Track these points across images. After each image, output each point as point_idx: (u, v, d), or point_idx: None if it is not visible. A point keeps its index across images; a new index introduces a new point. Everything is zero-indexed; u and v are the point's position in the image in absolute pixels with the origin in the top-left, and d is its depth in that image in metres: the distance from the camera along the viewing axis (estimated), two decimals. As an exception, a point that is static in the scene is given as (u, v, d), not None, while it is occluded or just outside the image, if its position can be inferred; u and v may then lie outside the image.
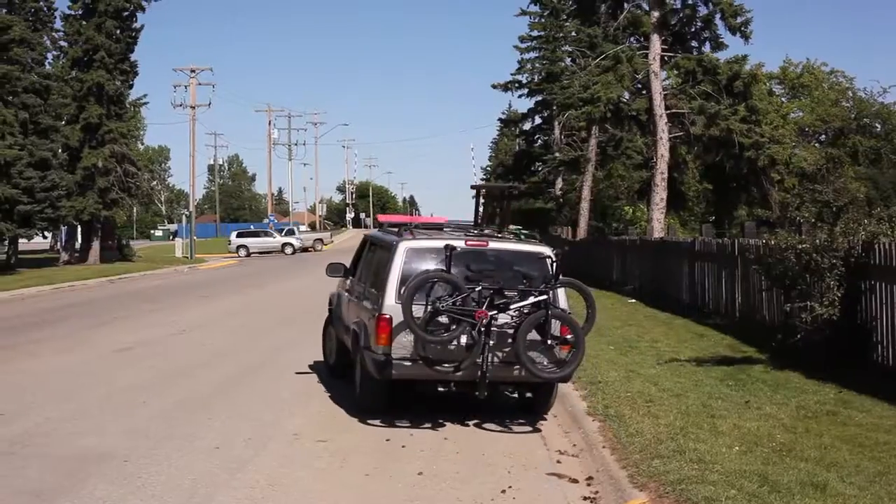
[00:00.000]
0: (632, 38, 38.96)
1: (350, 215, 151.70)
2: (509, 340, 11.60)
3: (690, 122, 36.74)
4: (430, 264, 12.02)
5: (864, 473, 8.76)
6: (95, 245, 55.27)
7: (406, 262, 12.05)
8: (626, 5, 38.24)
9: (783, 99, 61.24)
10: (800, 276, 14.98)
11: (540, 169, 69.11)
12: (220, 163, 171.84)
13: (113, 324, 24.18)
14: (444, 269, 11.79)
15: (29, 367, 16.60)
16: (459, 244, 12.14)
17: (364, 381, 12.42)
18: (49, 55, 55.14)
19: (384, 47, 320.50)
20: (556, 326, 11.81)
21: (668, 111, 36.19)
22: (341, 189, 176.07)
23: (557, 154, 62.25)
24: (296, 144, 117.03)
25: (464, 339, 11.57)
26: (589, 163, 56.14)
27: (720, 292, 22.23)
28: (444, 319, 11.63)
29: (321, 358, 16.78)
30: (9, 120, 42.33)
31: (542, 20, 65.05)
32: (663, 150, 35.72)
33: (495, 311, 11.62)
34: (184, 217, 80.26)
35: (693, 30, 37.32)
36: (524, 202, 74.79)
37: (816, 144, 58.14)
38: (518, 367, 11.62)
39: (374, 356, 11.82)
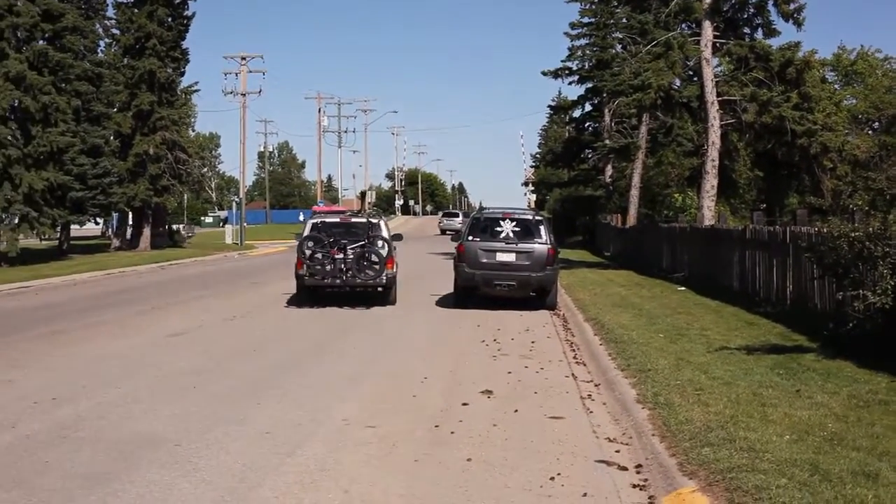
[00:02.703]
0: (683, 25, 38.65)
1: (399, 202, 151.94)
2: (355, 265, 24.24)
3: (742, 110, 36.40)
4: (319, 229, 25.00)
5: (916, 463, 8.68)
6: (146, 231, 55.77)
7: (311, 230, 25.09)
8: (677, -9, 37.96)
9: (836, 86, 60.68)
10: (852, 265, 14.83)
11: (590, 156, 68.84)
12: (270, 150, 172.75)
13: (164, 309, 24.40)
14: (318, 232, 24.81)
15: (81, 351, 16.79)
16: (334, 219, 25.86)
17: (297, 285, 25.10)
18: (101, 43, 55.78)
19: (434, 34, 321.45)
20: (375, 257, 24.43)
21: (720, 98, 35.91)
22: (390, 176, 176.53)
23: (607, 141, 61.97)
24: (345, 132, 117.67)
25: (328, 266, 24.20)
26: (639, 150, 55.93)
27: (771, 280, 22.08)
28: (318, 256, 24.29)
29: (370, 343, 17.68)
30: (62, 107, 42.72)
31: (593, 7, 64.71)
32: (714, 137, 35.48)
33: (342, 251, 24.18)
34: (234, 204, 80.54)
35: (745, 16, 36.98)
36: (574, 189, 74.64)
37: (870, 132, 57.56)
38: (357, 277, 24.20)
39: (297, 274, 24.63)
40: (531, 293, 24.87)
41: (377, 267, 24.26)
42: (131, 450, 9.71)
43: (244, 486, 8.57)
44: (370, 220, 25.65)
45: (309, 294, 24.95)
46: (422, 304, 25.60)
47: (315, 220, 25.61)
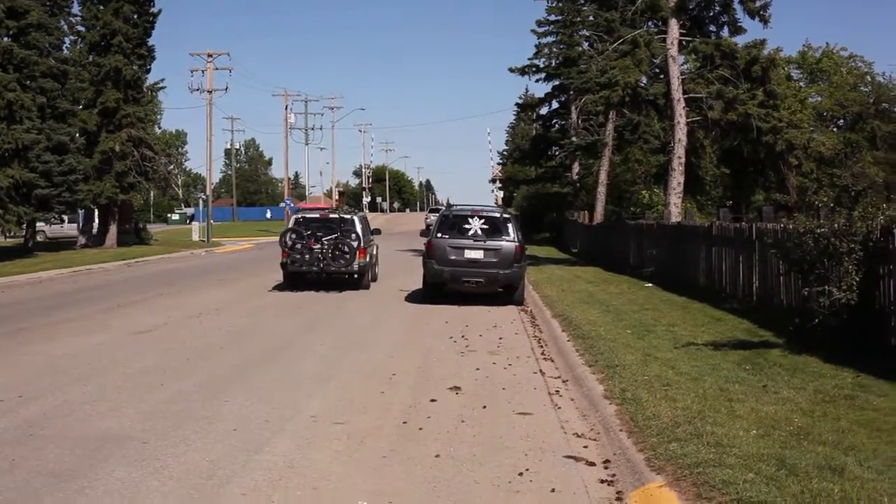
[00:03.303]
0: (650, 23, 38.75)
1: (366, 199, 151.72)
2: (329, 254, 27.80)
3: (708, 107, 36.56)
4: (300, 224, 28.54)
5: (881, 457, 8.72)
6: (113, 229, 55.44)
7: (293, 224, 28.68)
8: (644, -11, 38.03)
9: (802, 83, 61.06)
10: (818, 261, 14.91)
11: (557, 153, 69.01)
12: (237, 147, 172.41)
13: (130, 306, 24.29)
14: (299, 226, 28.36)
15: (47, 349, 16.69)
16: (314, 215, 29.56)
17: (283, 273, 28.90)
18: (66, 40, 55.23)
19: (401, 32, 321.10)
20: (347, 248, 27.88)
21: (686, 95, 36.06)
22: (358, 173, 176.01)
23: (574, 138, 62.18)
24: (312, 129, 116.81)
25: (307, 256, 27.77)
26: (606, 147, 56.16)
27: (737, 276, 22.20)
28: (297, 246, 27.89)
29: (338, 340, 17.67)
30: (27, 104, 42.43)
31: (560, 4, 64.78)
32: (681, 134, 35.61)
33: (318, 242, 27.78)
34: (200, 201, 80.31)
35: (711, 14, 37.13)
36: (541, 186, 74.79)
37: (835, 129, 58.04)
38: (332, 265, 27.76)
39: (281, 263, 28.49)
40: (499, 289, 25.26)
41: (348, 256, 27.82)
42: (98, 447, 9.67)
43: (212, 484, 8.55)
44: (342, 216, 29.20)
45: (291, 279, 28.76)
46: (390, 301, 25.66)
47: (298, 216, 29.55)
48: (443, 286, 25.32)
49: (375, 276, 31.45)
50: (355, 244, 28.01)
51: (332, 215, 29.47)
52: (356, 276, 28.43)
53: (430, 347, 17.20)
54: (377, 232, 32.48)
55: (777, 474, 8.12)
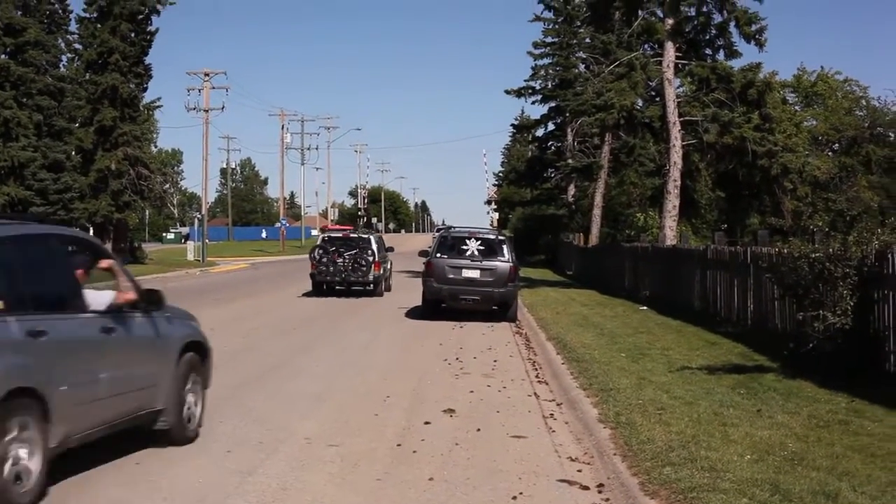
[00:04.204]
0: (646, 46, 38.89)
1: (362, 220, 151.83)
2: (349, 267, 33.01)
3: (704, 130, 36.66)
4: (326, 242, 33.94)
5: (875, 483, 8.73)
6: (108, 247, 55.37)
7: (320, 241, 34.83)
8: (640, 12, 38.02)
9: (797, 107, 61.15)
10: (812, 285, 14.94)
11: (552, 175, 69.04)
12: (233, 166, 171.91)
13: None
14: (325, 243, 34.11)
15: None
16: (337, 234, 35.34)
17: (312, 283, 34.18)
18: (63, 58, 55.45)
19: (398, 53, 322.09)
20: (364, 262, 33.16)
21: (682, 119, 36.13)
22: (353, 194, 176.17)
23: (570, 160, 62.19)
24: (308, 149, 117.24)
25: (331, 268, 33.21)
26: (601, 169, 56.16)
27: (732, 300, 22.21)
28: (324, 260, 33.35)
29: (334, 360, 17.79)
30: (23, 122, 42.62)
31: (556, 26, 65.01)
32: (676, 157, 35.66)
33: (341, 257, 32.90)
34: (196, 220, 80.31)
35: (707, 37, 37.21)
36: (537, 208, 74.82)
37: (830, 153, 58.06)
38: (352, 276, 32.94)
39: (311, 273, 34.05)
40: (493, 307, 26.56)
41: (365, 269, 33.32)
42: (91, 468, 9.64)
43: (205, 505, 8.53)
44: (361, 235, 35.57)
45: (318, 288, 34.20)
46: (387, 323, 25.65)
47: (324, 235, 36.48)
48: (441, 303, 26.73)
49: (389, 287, 36.73)
50: (371, 259, 33.45)
51: (352, 235, 35.58)
52: (371, 285, 33.64)
53: (424, 370, 17.17)
54: (391, 249, 39.62)
55: (771, 500, 8.13)
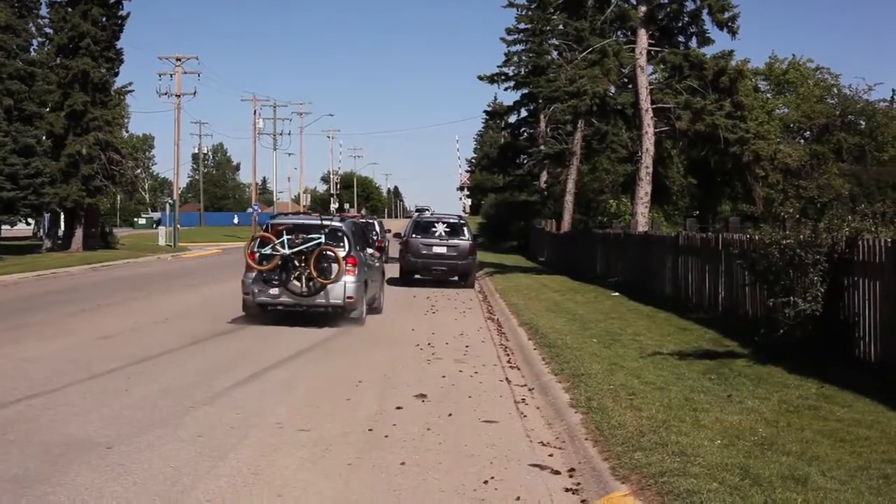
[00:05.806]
0: (619, 33, 38.83)
1: (334, 206, 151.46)
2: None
3: (676, 117, 36.69)
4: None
5: (844, 468, 8.78)
6: (78, 232, 55.08)
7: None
8: (613, -1, 38.15)
9: (768, 95, 61.35)
10: (783, 272, 15.00)
11: (525, 162, 69.15)
12: (205, 152, 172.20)
13: (96, 311, 24.15)
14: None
15: (11, 353, 16.54)
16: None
17: None
18: (34, 42, 54.98)
19: (370, 38, 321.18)
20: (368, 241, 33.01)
21: (654, 106, 36.19)
22: (326, 179, 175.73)
23: (543, 147, 62.30)
24: (281, 134, 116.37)
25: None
26: (574, 156, 56.21)
27: (703, 287, 22.28)
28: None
29: (306, 346, 17.75)
30: (-7, 106, 42.22)
31: (529, 13, 64.88)
32: (648, 144, 35.73)
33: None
34: (167, 205, 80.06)
35: (680, 25, 37.25)
36: (509, 194, 74.86)
37: (801, 141, 58.27)
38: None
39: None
40: (457, 276, 34.36)
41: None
42: (61, 453, 9.59)
43: (176, 490, 8.50)
44: (367, 220, 42.14)
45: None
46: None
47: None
48: (414, 273, 34.53)
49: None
50: (374, 237, 37.65)
51: (360, 220, 38.82)
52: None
53: (396, 355, 17.17)
54: (388, 231, 46.61)
55: (741, 484, 8.16)
